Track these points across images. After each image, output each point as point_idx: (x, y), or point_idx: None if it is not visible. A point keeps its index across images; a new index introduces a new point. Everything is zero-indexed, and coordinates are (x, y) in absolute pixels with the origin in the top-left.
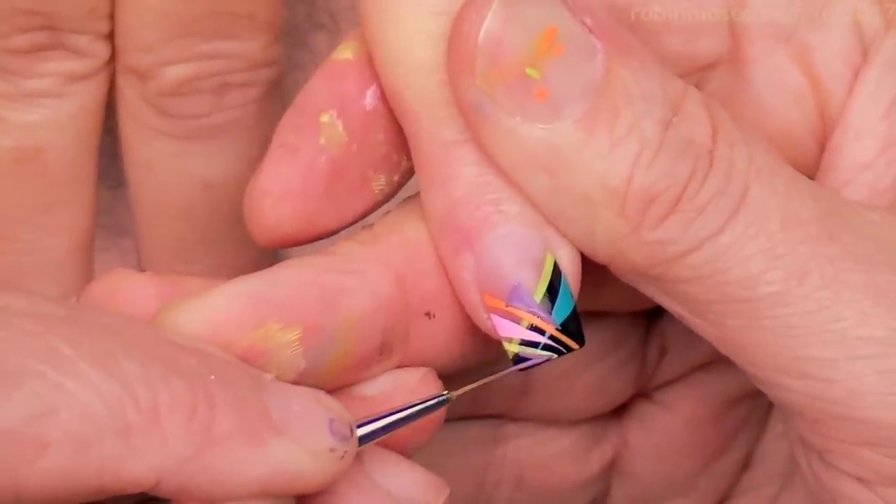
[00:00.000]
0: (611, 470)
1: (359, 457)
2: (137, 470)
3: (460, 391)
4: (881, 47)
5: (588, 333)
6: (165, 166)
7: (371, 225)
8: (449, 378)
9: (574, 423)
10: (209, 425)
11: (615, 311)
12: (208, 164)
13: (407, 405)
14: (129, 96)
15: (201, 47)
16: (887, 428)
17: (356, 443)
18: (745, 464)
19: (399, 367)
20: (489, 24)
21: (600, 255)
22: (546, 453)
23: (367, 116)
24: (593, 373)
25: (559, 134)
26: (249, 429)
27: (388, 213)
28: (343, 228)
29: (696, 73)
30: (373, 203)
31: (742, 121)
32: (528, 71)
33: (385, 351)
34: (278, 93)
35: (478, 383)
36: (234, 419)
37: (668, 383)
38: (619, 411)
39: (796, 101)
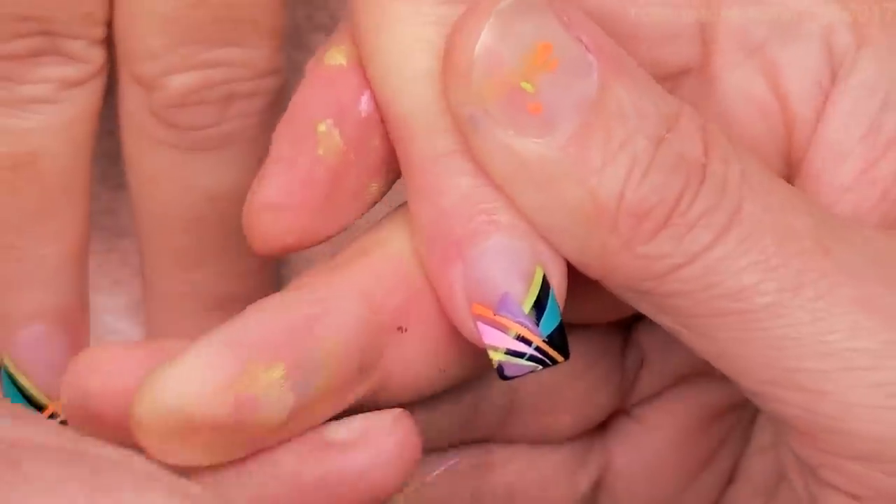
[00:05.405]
0: (598, 488)
1: None
2: None
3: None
4: (855, 66)
5: (570, 346)
6: (170, 178)
7: (335, 254)
8: (432, 399)
9: (561, 442)
10: None
11: (593, 322)
12: (213, 175)
13: None
14: (133, 107)
15: (206, 55)
16: (878, 441)
17: None
18: (730, 478)
19: (379, 387)
20: (485, 38)
21: (592, 269)
22: (536, 476)
23: (363, 123)
24: (578, 387)
25: (552, 148)
26: None
27: (354, 241)
28: (341, 231)
29: (667, 82)
30: (370, 204)
31: None
32: (523, 85)
33: (364, 370)
34: (282, 102)
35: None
36: None
37: (649, 398)
38: (601, 429)
39: (762, 115)
